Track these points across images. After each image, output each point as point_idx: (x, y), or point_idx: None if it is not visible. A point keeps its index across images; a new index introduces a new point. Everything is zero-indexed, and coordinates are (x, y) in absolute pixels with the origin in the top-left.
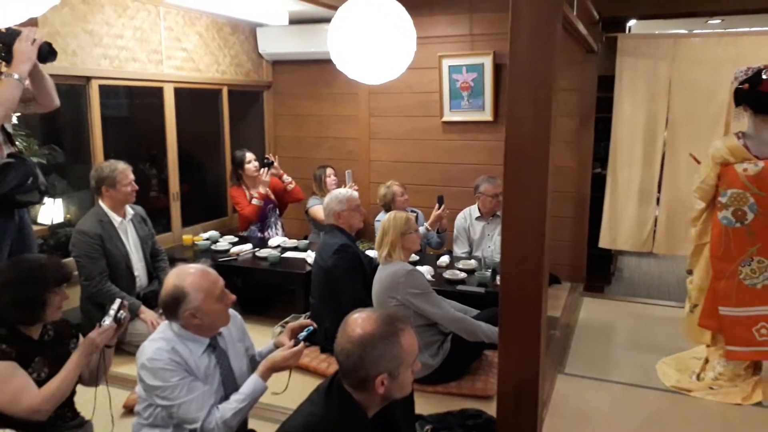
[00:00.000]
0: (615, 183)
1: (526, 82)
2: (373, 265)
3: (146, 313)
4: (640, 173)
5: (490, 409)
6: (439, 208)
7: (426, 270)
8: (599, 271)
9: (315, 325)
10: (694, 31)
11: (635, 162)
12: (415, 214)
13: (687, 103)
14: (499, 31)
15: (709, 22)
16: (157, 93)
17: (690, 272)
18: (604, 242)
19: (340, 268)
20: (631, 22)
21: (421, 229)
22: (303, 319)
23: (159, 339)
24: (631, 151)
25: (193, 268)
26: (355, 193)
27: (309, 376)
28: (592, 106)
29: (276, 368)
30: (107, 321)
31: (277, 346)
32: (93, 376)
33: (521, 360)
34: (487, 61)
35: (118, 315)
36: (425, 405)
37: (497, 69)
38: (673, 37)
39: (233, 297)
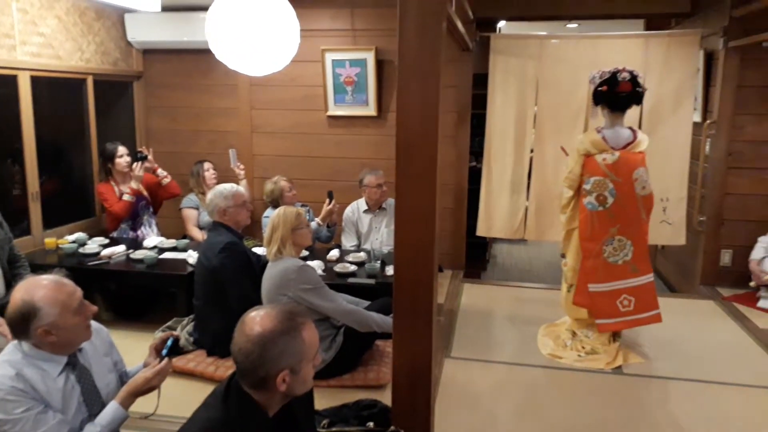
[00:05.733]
0: (489, 175)
1: (415, 76)
2: (261, 263)
3: (4, 326)
4: (512, 166)
5: (384, 397)
6: (329, 203)
7: (317, 264)
8: (476, 258)
9: (175, 334)
10: (556, 34)
11: (507, 155)
12: (306, 209)
13: (552, 100)
14: (381, 27)
15: (568, 26)
16: (10, 82)
17: (564, 256)
18: (480, 231)
19: (228, 267)
20: (501, 24)
21: (313, 224)
22: (163, 333)
23: (3, 363)
24: (503, 145)
25: (45, 279)
26: (242, 189)
27: (197, 382)
28: (468, 102)
29: (138, 392)
30: None
31: (147, 365)
32: None
33: (415, 346)
34: (370, 57)
35: None
36: (320, 400)
37: (380, 65)
38: (540, 38)
39: (94, 308)
